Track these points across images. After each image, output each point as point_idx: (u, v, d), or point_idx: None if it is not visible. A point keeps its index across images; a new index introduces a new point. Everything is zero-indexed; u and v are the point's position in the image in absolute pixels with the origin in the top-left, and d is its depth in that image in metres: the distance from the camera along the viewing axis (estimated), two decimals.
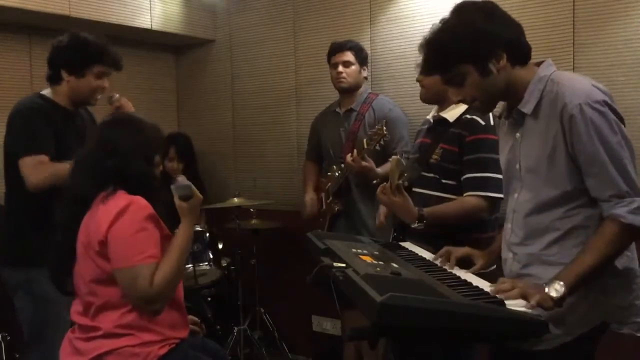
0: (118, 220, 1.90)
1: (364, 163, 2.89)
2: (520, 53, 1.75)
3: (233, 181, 4.36)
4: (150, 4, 3.86)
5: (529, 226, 1.79)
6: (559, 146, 1.68)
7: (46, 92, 2.68)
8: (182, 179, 2.09)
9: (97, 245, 1.91)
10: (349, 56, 3.28)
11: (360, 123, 3.27)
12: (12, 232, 2.61)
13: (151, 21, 3.88)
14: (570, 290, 1.59)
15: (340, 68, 3.28)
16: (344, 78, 3.28)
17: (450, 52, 1.71)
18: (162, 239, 1.99)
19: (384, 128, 2.77)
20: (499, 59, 1.71)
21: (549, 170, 1.71)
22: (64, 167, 2.41)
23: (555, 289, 1.58)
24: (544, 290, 1.58)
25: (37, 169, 2.48)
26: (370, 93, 3.39)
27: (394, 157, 2.25)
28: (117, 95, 2.73)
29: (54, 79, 2.65)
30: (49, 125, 2.55)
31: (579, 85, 1.68)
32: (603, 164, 1.61)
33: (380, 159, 2.99)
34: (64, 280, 2.04)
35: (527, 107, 1.75)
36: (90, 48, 2.59)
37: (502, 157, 1.94)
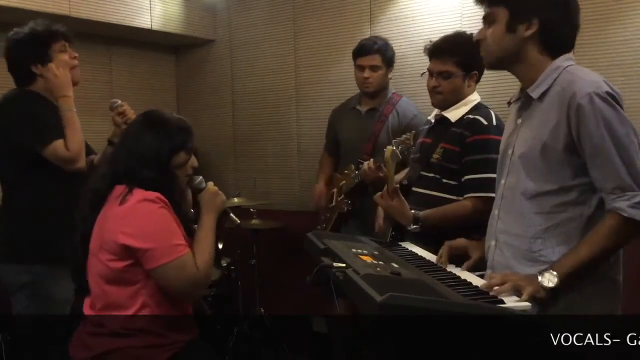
0: (138, 222, 1.89)
1: (380, 174, 2.75)
2: (552, 38, 1.74)
3: (233, 181, 4.36)
4: (150, 4, 3.86)
5: (515, 213, 1.77)
6: (558, 136, 1.66)
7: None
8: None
9: (110, 245, 1.90)
10: (377, 60, 3.10)
11: (383, 125, 3.15)
12: (15, 228, 2.52)
13: (151, 21, 3.88)
14: (562, 281, 1.58)
15: (367, 73, 3.11)
16: (370, 83, 3.14)
17: None
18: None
19: (412, 140, 2.58)
20: (530, 26, 1.72)
21: (541, 158, 1.70)
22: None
23: (548, 279, 1.58)
24: (537, 280, 1.58)
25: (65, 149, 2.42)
26: (394, 93, 3.25)
27: (388, 147, 2.20)
28: (119, 102, 2.66)
29: (26, 81, 2.54)
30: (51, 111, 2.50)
31: (591, 76, 1.68)
32: (608, 154, 1.60)
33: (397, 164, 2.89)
34: (85, 279, 2.02)
35: (535, 91, 1.74)
36: (40, 32, 2.52)
37: (501, 145, 1.94)
